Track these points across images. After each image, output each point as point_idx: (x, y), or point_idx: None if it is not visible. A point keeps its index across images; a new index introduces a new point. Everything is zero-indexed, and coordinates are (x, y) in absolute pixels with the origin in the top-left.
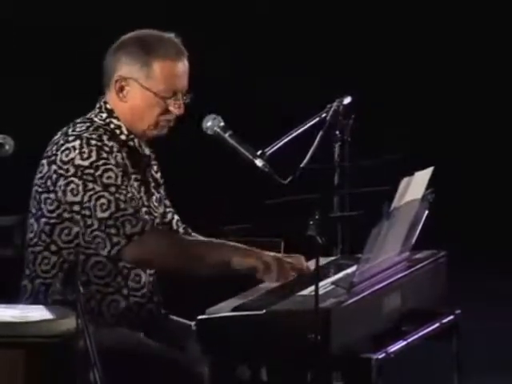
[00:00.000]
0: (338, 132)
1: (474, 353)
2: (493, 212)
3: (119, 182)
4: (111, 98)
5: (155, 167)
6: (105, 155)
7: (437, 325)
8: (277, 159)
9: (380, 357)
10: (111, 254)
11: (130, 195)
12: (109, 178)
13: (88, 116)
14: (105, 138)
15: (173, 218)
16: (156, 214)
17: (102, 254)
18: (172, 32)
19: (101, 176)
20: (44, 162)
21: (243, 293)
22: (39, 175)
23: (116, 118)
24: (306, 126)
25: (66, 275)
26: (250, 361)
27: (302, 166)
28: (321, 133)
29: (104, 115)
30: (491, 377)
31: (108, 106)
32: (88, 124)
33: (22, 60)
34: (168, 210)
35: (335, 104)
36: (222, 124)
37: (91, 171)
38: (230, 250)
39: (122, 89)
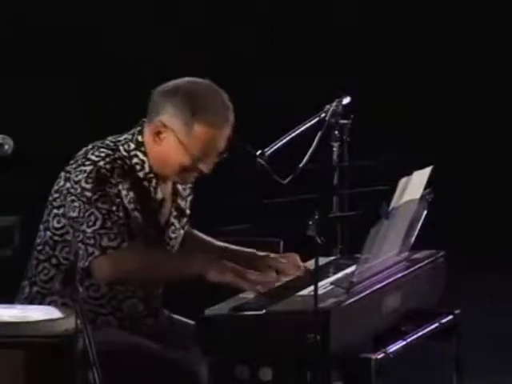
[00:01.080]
0: (337, 132)
1: (473, 353)
2: (493, 212)
3: (114, 208)
4: (147, 134)
5: (187, 191)
6: (107, 186)
7: (436, 325)
8: (276, 159)
9: (379, 357)
10: (85, 265)
11: (121, 221)
12: (104, 202)
13: (118, 139)
14: (116, 172)
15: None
16: (168, 247)
17: (80, 266)
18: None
19: (97, 200)
20: (62, 175)
21: (243, 293)
22: (56, 187)
23: (143, 152)
24: (305, 126)
25: (65, 275)
26: (250, 361)
27: (301, 166)
28: (320, 133)
29: (132, 146)
30: (491, 377)
31: (140, 138)
32: (110, 152)
33: (21, 60)
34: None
35: (334, 104)
36: None
37: (89, 194)
38: (202, 263)
39: (159, 133)
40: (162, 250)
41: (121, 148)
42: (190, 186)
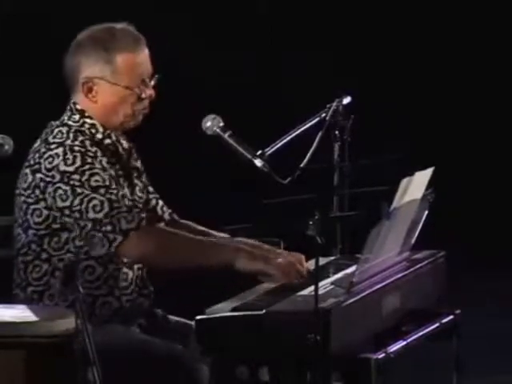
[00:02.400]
0: (337, 132)
1: (473, 353)
2: (493, 212)
3: (107, 183)
4: (80, 99)
5: (135, 155)
6: (89, 160)
7: (436, 325)
8: (276, 159)
9: (380, 357)
10: (110, 251)
11: (121, 193)
12: (96, 180)
13: (61, 120)
14: (87, 143)
15: (157, 204)
16: (140, 205)
17: (101, 253)
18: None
19: (88, 180)
20: (27, 171)
21: (243, 293)
22: (24, 185)
23: (88, 117)
24: (305, 126)
25: (66, 275)
26: (250, 361)
27: (301, 166)
28: (320, 133)
29: (77, 117)
30: (491, 377)
31: (78, 107)
32: (66, 128)
33: (21, 60)
34: (151, 196)
35: (335, 104)
36: (222, 124)
37: (77, 177)
38: (233, 251)
39: (90, 90)
40: (186, 234)
41: (69, 122)
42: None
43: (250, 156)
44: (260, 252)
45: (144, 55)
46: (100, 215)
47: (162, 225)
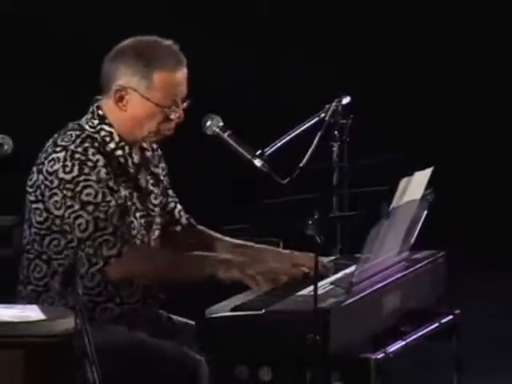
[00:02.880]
0: (336, 132)
1: (473, 353)
2: (493, 212)
3: (99, 199)
4: (107, 105)
5: (157, 159)
6: (87, 170)
7: (436, 325)
8: (276, 159)
9: (379, 357)
10: (90, 272)
11: (111, 210)
12: (88, 194)
13: (80, 122)
14: (90, 152)
15: (175, 208)
16: (153, 214)
17: (82, 272)
18: (166, 32)
19: (80, 192)
20: (34, 169)
21: (243, 293)
22: (30, 182)
23: (108, 124)
24: (305, 126)
25: (65, 276)
26: (250, 361)
27: (300, 165)
28: (320, 133)
29: (96, 122)
30: (491, 377)
31: (100, 112)
32: (78, 133)
33: (21, 60)
34: (171, 199)
35: (334, 104)
36: (221, 124)
37: (71, 186)
38: (212, 263)
39: (121, 98)
40: (168, 251)
41: (86, 126)
42: (158, 154)
43: (249, 156)
44: (242, 260)
45: (181, 77)
46: (84, 235)
47: (178, 228)
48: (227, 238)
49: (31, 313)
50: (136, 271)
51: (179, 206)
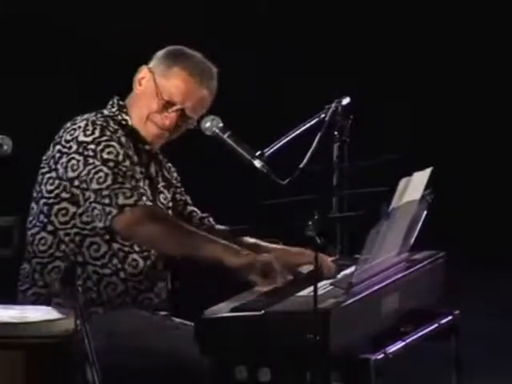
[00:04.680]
0: (336, 132)
1: (473, 353)
2: (492, 212)
3: (120, 158)
4: (131, 95)
5: (167, 166)
6: (108, 133)
7: (435, 325)
8: (276, 160)
9: (379, 357)
10: (106, 224)
11: (130, 173)
12: (109, 153)
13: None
14: (111, 122)
15: (184, 210)
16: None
17: (99, 226)
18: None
19: (102, 151)
20: (51, 145)
21: (242, 293)
22: (44, 157)
23: (125, 113)
24: (304, 127)
25: (65, 276)
26: (249, 361)
27: (300, 166)
28: (320, 133)
29: (114, 109)
30: (490, 377)
31: (121, 102)
32: (97, 113)
33: (21, 60)
34: (190, 208)
35: (334, 104)
36: (221, 125)
37: (93, 146)
38: (223, 248)
39: (142, 78)
40: (183, 222)
41: (105, 111)
42: (170, 165)
43: (249, 156)
44: (247, 251)
45: (199, 94)
46: (102, 186)
47: None
48: (247, 238)
49: (31, 313)
50: (145, 228)
51: (189, 208)
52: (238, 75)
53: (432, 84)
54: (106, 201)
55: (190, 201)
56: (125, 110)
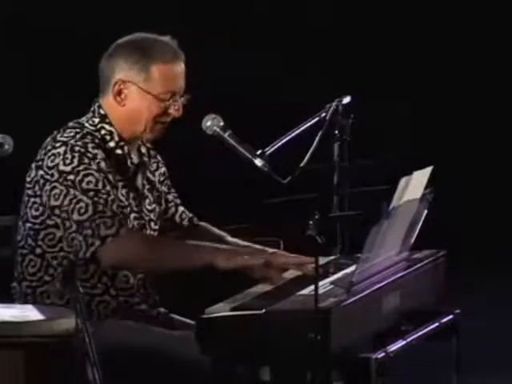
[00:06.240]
0: (337, 132)
1: (473, 353)
2: (493, 212)
3: (100, 186)
4: (107, 103)
5: (154, 166)
6: (86, 161)
7: (436, 324)
8: (276, 159)
9: (379, 356)
10: (86, 256)
11: (111, 198)
12: (89, 182)
13: (80, 120)
14: (90, 146)
15: (176, 212)
16: (147, 218)
17: (80, 256)
18: (167, 33)
19: (81, 181)
20: (33, 165)
21: (243, 292)
22: (28, 179)
23: (109, 123)
24: (305, 126)
25: (65, 274)
26: (250, 360)
27: (301, 165)
28: (320, 132)
29: (96, 120)
30: (491, 377)
31: (102, 111)
32: (77, 130)
33: (21, 60)
34: (170, 204)
35: (334, 104)
36: (222, 124)
37: (72, 177)
38: (212, 251)
39: (120, 92)
40: (167, 238)
41: (86, 124)
42: (156, 160)
43: (250, 156)
44: (239, 251)
45: (180, 70)
46: (83, 217)
47: (178, 233)
48: (230, 238)
49: (31, 313)
50: (132, 254)
51: (180, 209)
52: (238, 74)
53: (432, 84)
54: (89, 232)
55: (178, 200)
56: (107, 121)
